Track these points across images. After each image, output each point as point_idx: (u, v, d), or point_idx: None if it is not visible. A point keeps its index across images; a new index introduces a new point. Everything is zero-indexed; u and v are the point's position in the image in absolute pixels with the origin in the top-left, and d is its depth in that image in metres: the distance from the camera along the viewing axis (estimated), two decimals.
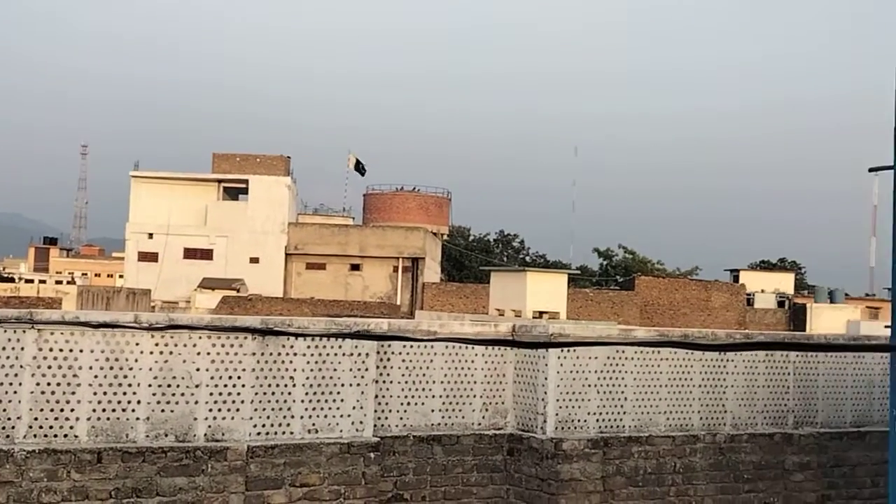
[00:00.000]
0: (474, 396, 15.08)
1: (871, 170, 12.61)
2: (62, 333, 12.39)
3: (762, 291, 68.39)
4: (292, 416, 13.45)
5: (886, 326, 14.76)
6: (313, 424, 13.58)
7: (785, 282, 70.84)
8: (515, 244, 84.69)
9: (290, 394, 13.48)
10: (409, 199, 66.12)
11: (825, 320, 61.32)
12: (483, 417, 15.14)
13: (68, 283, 78.97)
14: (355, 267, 56.70)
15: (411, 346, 14.47)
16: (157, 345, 12.79)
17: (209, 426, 13.02)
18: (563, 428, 14.80)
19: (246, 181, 56.90)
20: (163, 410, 12.84)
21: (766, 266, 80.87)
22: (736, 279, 69.79)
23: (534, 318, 29.58)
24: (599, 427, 15.12)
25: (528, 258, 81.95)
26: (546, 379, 14.77)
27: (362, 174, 64.84)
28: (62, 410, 12.43)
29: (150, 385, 12.76)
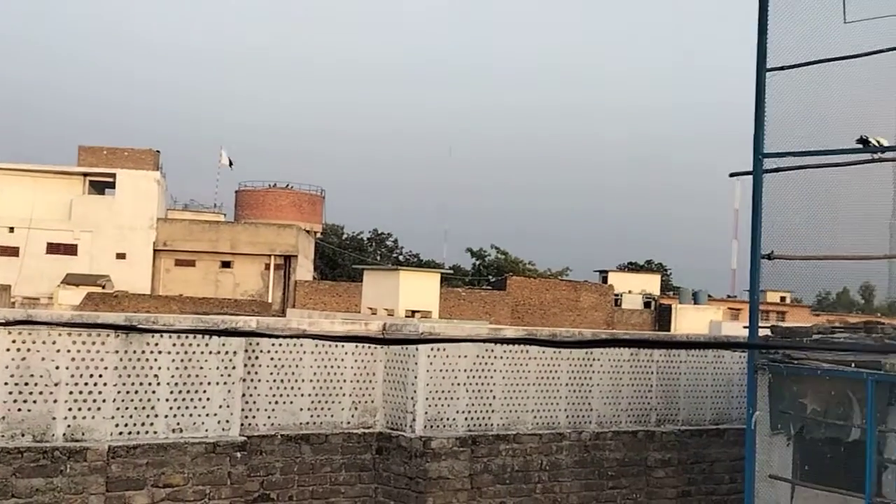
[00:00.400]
0: (344, 395, 15.01)
1: (731, 175, 13.02)
2: None
3: (629, 292, 69.89)
4: (156, 415, 13.16)
5: (745, 327, 15.23)
6: (178, 424, 13.31)
7: (651, 283, 72.54)
8: (389, 243, 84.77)
9: (154, 392, 13.18)
10: (281, 196, 65.46)
11: (689, 321, 63.00)
12: (352, 416, 15.08)
13: None
14: (226, 264, 55.86)
15: (280, 345, 14.31)
16: (13, 342, 12.35)
17: (69, 426, 12.64)
18: (431, 426, 14.85)
19: (113, 175, 55.48)
20: (19, 410, 12.40)
21: (633, 267, 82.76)
22: (605, 280, 71.17)
23: (406, 316, 29.63)
24: (468, 425, 15.22)
25: (401, 257, 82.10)
26: (416, 377, 14.79)
27: (231, 167, 63.95)
28: None
29: (5, 384, 12.31)
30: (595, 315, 62.49)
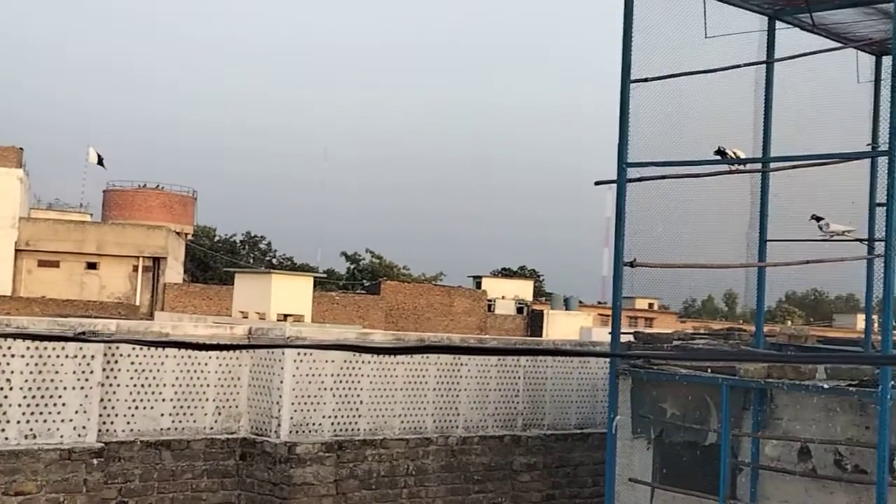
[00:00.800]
0: (207, 400, 14.74)
1: (596, 183, 13.25)
2: None
3: (503, 298, 70.53)
4: (8, 421, 12.70)
5: (610, 333, 15.55)
6: (31, 430, 12.87)
7: (524, 289, 73.34)
8: (262, 246, 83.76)
9: (6, 398, 12.71)
10: (151, 196, 64.08)
11: (560, 326, 63.92)
12: (216, 421, 14.82)
13: None
14: (92, 265, 54.38)
15: (141, 349, 13.98)
16: None
17: None
18: (297, 431, 14.70)
19: None
20: None
21: (507, 273, 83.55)
22: (479, 285, 71.67)
23: (278, 320, 29.31)
24: (334, 430, 15.11)
25: (275, 260, 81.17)
26: (282, 382, 14.63)
27: (102, 165, 62.20)
28: None
29: None
30: (468, 320, 62.89)
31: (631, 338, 16.47)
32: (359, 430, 15.39)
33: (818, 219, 13.70)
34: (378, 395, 15.66)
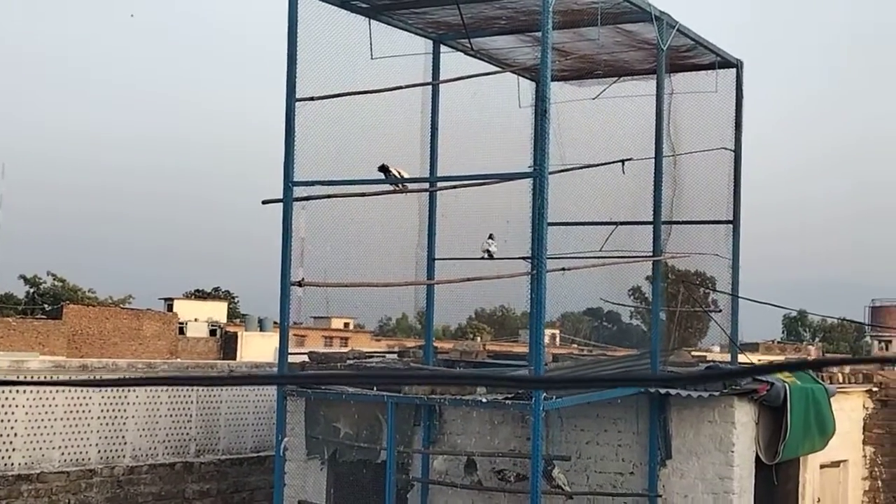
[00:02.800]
0: None
1: (263, 202, 13.04)
2: None
3: (196, 320, 68.86)
4: None
5: (293, 353, 15.41)
6: None
7: (218, 310, 71.99)
8: None
9: None
10: None
11: (255, 348, 63.06)
12: None
13: None
14: None
15: None
16: None
17: None
18: None
19: None
20: None
21: (200, 295, 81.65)
22: (170, 308, 69.62)
23: None
24: None
25: None
26: None
27: None
28: None
29: None
30: (158, 344, 60.88)
31: (305, 358, 16.35)
32: (13, 464, 14.34)
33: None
34: (35, 427, 14.68)
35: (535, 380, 10.29)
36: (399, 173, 12.38)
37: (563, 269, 12.98)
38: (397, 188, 12.64)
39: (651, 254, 13.86)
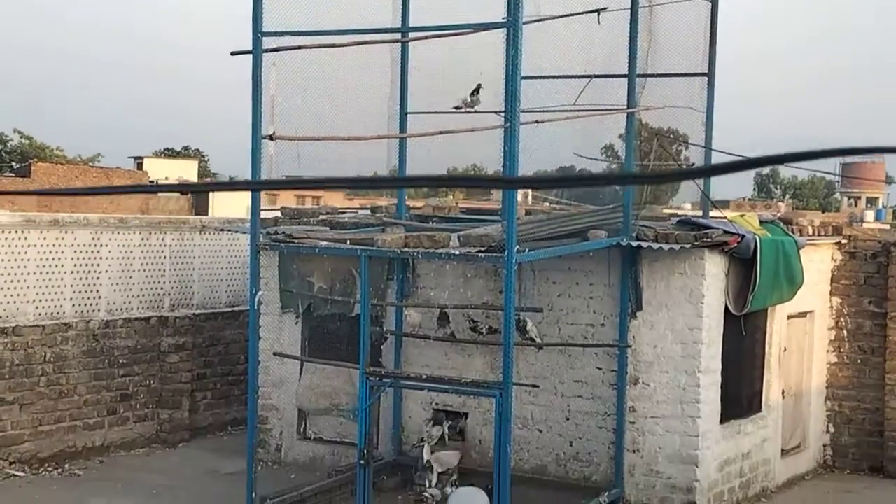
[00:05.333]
0: None
1: (232, 53, 12.75)
2: None
3: (166, 179, 68.42)
4: None
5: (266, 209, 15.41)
6: None
7: (188, 169, 71.48)
8: None
9: None
10: None
11: (226, 206, 62.83)
12: None
13: None
14: None
15: None
16: None
17: None
18: None
19: None
20: None
21: (170, 153, 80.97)
22: (140, 167, 69.11)
23: None
24: None
25: None
26: None
27: None
28: None
29: None
30: (129, 203, 60.39)
31: (278, 213, 16.31)
32: None
33: (476, 91, 13.89)
34: (8, 280, 14.68)
35: (507, 179, 10.41)
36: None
37: (537, 121, 12.89)
38: (367, 39, 12.41)
39: (625, 107, 13.74)
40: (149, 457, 15.81)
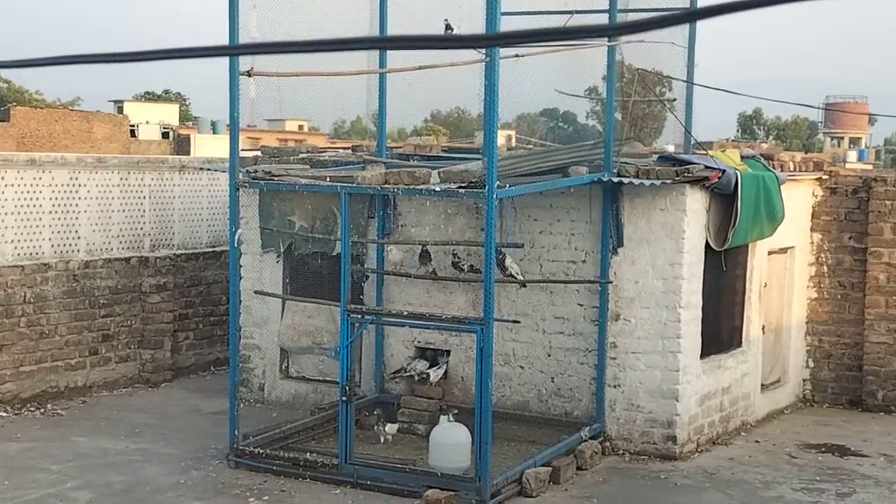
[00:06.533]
0: None
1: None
2: None
3: (147, 123, 67.92)
4: None
5: (245, 149, 15.23)
6: None
7: (170, 113, 70.95)
8: None
9: None
10: None
11: (208, 150, 62.47)
12: None
13: None
14: None
15: None
16: None
17: None
18: None
19: None
20: None
21: (150, 97, 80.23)
22: (120, 110, 68.48)
23: None
24: None
25: None
26: None
27: None
28: None
29: None
30: (110, 146, 60.06)
31: (258, 153, 16.19)
32: None
33: (448, 27, 13.80)
34: None
35: (491, 36, 10.36)
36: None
37: (517, 55, 12.78)
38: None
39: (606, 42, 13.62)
40: (131, 397, 15.84)
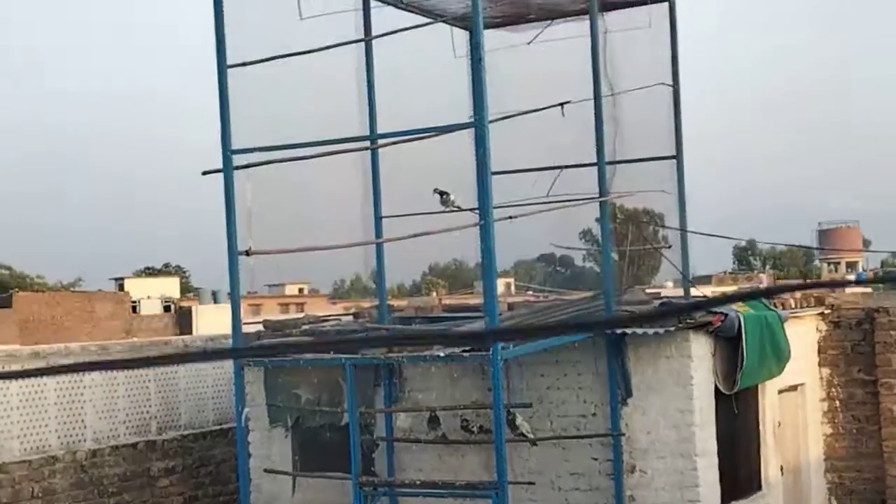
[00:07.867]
0: None
1: (203, 173, 12.83)
2: None
3: (148, 298, 68.35)
4: None
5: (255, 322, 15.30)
6: None
7: (170, 286, 71.48)
8: None
9: None
10: None
11: (210, 320, 62.69)
12: None
13: None
14: None
15: None
16: None
17: None
18: None
19: None
20: None
21: (150, 272, 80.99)
22: (121, 287, 69.04)
23: None
24: None
25: None
26: None
27: None
28: None
29: None
30: (112, 324, 60.36)
31: (260, 327, 16.23)
32: None
33: (442, 193, 14.06)
34: None
35: (490, 332, 10.29)
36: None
37: (511, 217, 12.97)
38: (340, 149, 12.53)
39: (598, 195, 13.85)
40: None
